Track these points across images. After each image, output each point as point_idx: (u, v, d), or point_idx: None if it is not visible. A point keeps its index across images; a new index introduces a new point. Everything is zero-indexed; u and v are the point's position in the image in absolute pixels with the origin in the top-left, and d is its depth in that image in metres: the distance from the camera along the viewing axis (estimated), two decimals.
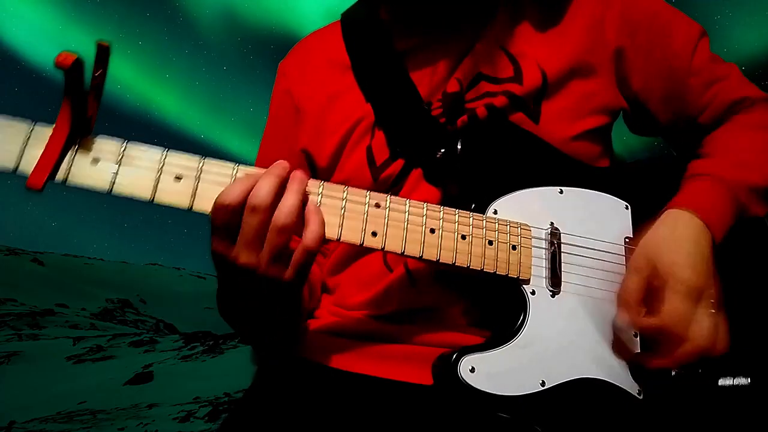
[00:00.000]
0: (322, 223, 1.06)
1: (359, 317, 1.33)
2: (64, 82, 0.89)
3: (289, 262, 1.05)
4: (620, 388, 1.18)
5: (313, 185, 1.08)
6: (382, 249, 1.10)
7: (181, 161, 1.04)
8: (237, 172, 1.05)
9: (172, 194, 1.03)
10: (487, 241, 1.16)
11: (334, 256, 1.44)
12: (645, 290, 1.17)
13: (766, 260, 1.36)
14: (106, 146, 1.00)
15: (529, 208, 1.22)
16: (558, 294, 1.19)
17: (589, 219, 1.26)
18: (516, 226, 1.20)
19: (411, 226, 1.12)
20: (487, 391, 1.09)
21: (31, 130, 0.96)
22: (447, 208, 1.15)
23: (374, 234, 1.10)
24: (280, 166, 1.06)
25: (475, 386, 1.09)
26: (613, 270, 1.24)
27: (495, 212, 1.20)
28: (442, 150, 1.27)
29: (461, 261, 1.14)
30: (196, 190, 1.04)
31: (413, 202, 1.14)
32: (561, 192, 1.25)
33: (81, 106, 0.94)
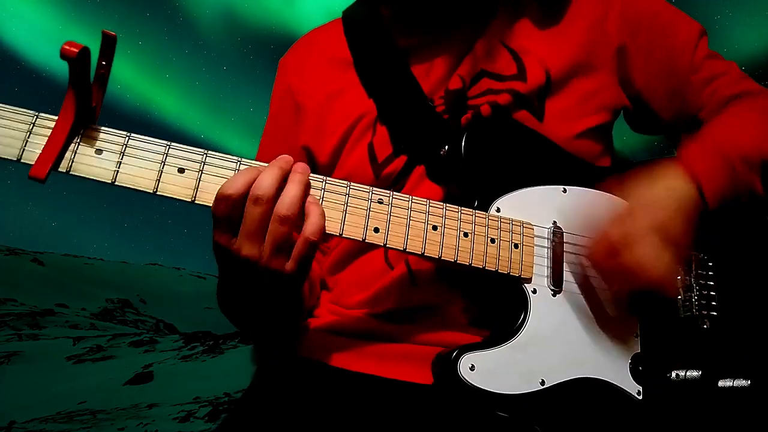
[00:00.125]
0: (323, 215, 1.06)
1: (359, 316, 1.33)
2: (69, 72, 0.89)
3: (291, 254, 1.05)
4: (620, 388, 1.18)
5: (316, 180, 1.08)
6: (384, 245, 1.10)
7: (184, 154, 1.04)
8: (240, 165, 1.05)
9: (175, 187, 1.03)
10: (489, 239, 1.16)
11: (334, 254, 1.44)
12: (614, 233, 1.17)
13: (766, 260, 1.36)
14: (110, 137, 1.00)
15: (531, 207, 1.22)
16: (559, 293, 1.19)
17: (591, 218, 1.26)
18: (518, 224, 1.20)
19: (413, 222, 1.12)
20: (487, 389, 1.09)
21: (35, 120, 0.96)
22: (450, 205, 1.15)
23: (376, 230, 1.10)
24: (283, 158, 1.06)
25: (474, 384, 1.09)
26: None
27: (498, 210, 1.20)
28: (446, 147, 1.27)
29: (463, 259, 1.14)
30: (199, 182, 1.04)
31: (416, 198, 1.14)
32: (564, 191, 1.25)
33: (85, 96, 0.94)
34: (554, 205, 1.24)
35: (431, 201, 1.15)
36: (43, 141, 0.95)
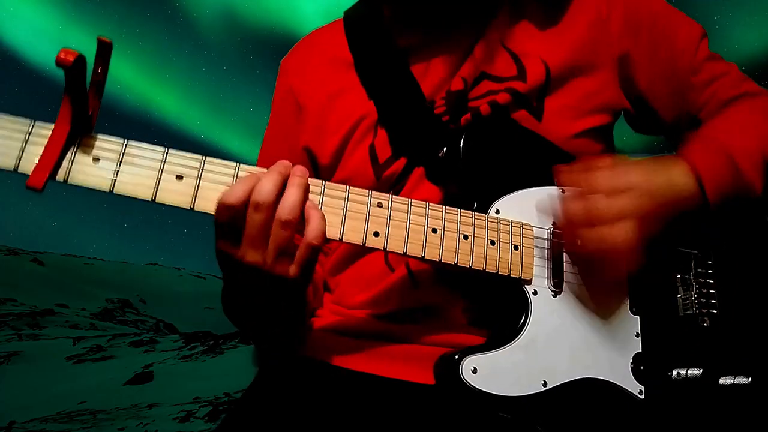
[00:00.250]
0: (323, 218, 1.05)
1: (361, 316, 1.33)
2: (65, 79, 0.88)
3: (294, 259, 1.05)
4: (622, 388, 1.18)
5: (315, 184, 1.08)
6: (384, 249, 1.10)
7: (183, 160, 1.03)
8: (238, 171, 1.05)
9: (174, 194, 1.02)
10: (489, 241, 1.16)
11: (335, 255, 1.44)
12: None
13: (766, 260, 1.36)
14: (107, 145, 0.99)
15: (531, 208, 1.22)
16: (560, 294, 1.19)
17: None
18: (518, 225, 1.19)
19: (413, 226, 1.12)
20: (489, 391, 1.09)
21: (31, 129, 0.95)
22: (449, 207, 1.15)
23: (376, 234, 1.10)
24: (282, 164, 1.06)
25: (477, 387, 1.09)
26: None
27: (497, 212, 1.20)
28: (444, 149, 1.27)
29: (463, 261, 1.14)
30: (198, 189, 1.03)
31: (415, 201, 1.13)
32: (563, 192, 1.25)
33: (82, 103, 0.93)
34: (554, 206, 1.24)
35: (431, 204, 1.14)
36: (40, 150, 0.94)
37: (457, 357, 1.10)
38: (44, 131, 0.95)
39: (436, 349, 1.19)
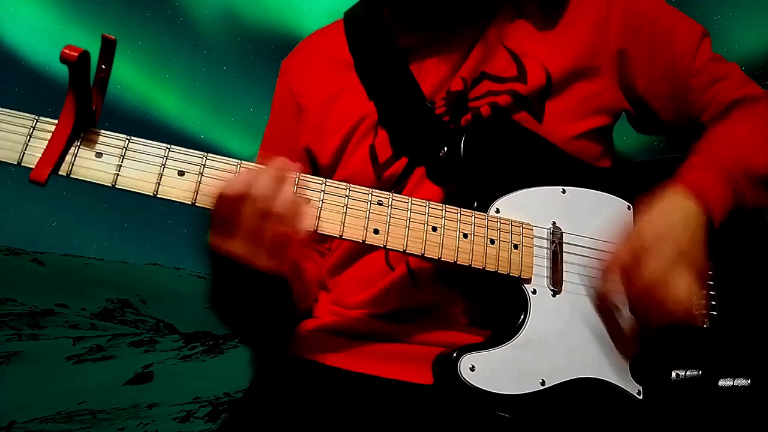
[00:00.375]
0: (315, 215, 1.07)
1: (359, 316, 1.33)
2: (69, 75, 0.89)
3: (287, 254, 1.06)
4: (620, 388, 1.18)
5: (316, 182, 1.09)
6: (384, 246, 1.10)
7: (184, 157, 1.05)
8: (240, 168, 1.06)
9: (175, 189, 1.03)
10: (488, 240, 1.16)
11: (335, 255, 1.44)
12: (631, 260, 1.16)
13: (766, 260, 1.36)
14: (110, 140, 1.00)
15: (531, 208, 1.23)
16: (559, 293, 1.19)
17: (591, 219, 1.26)
18: (518, 225, 1.20)
19: (413, 224, 1.12)
20: (487, 389, 1.10)
21: (35, 124, 0.96)
22: (449, 206, 1.16)
23: (376, 231, 1.10)
24: (280, 160, 1.07)
25: (475, 385, 1.09)
26: None
27: (497, 211, 1.20)
28: (445, 149, 1.27)
29: (463, 259, 1.14)
30: (199, 185, 1.04)
31: (415, 200, 1.14)
32: (563, 191, 1.25)
33: (85, 99, 0.94)
34: (553, 206, 1.24)
35: (431, 202, 1.15)
36: (44, 144, 0.95)
37: (455, 355, 1.10)
38: (48, 126, 0.97)
39: (435, 349, 1.19)
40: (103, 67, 0.94)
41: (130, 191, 1.02)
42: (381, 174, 1.35)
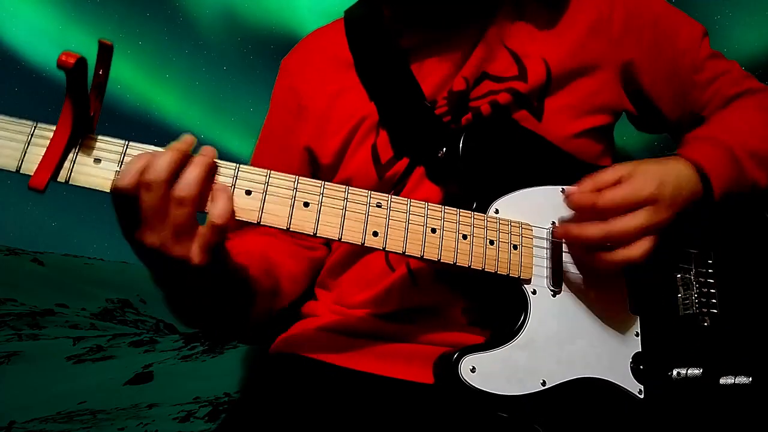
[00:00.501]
0: (230, 199, 1.02)
1: (361, 315, 1.33)
2: (67, 81, 0.89)
3: (196, 241, 1.01)
4: (621, 387, 1.18)
5: (314, 185, 1.08)
6: (383, 249, 1.10)
7: None
8: (239, 171, 1.05)
9: None
10: (488, 240, 1.16)
11: (335, 255, 1.44)
12: (609, 178, 1.17)
13: (766, 257, 1.36)
14: (108, 146, 1.00)
15: (530, 208, 1.22)
16: (559, 294, 1.19)
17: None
18: (517, 225, 1.20)
19: (412, 225, 1.12)
20: (488, 390, 1.10)
21: (33, 130, 0.96)
22: (448, 207, 1.15)
23: (375, 234, 1.10)
24: (184, 141, 1.02)
25: (475, 386, 1.09)
26: None
27: (496, 212, 1.20)
28: (444, 149, 1.27)
29: (462, 261, 1.14)
30: None
31: (414, 201, 1.13)
32: (562, 191, 1.25)
33: (83, 105, 0.94)
34: (553, 206, 1.24)
35: (430, 204, 1.14)
36: (42, 151, 0.94)
37: (456, 356, 1.10)
38: (46, 133, 0.96)
39: (435, 349, 1.20)
40: (101, 72, 0.94)
41: None
42: (383, 174, 1.35)
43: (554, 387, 1.14)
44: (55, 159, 0.93)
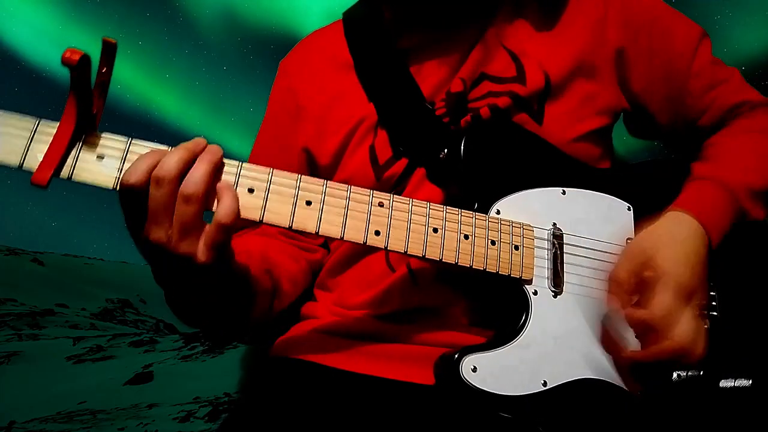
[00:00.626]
0: (236, 198, 1.02)
1: (360, 317, 1.33)
2: (71, 78, 0.89)
3: (203, 240, 1.01)
4: (622, 389, 1.18)
5: (316, 184, 1.08)
6: (385, 248, 1.10)
7: None
8: (241, 170, 1.05)
9: None
10: (489, 241, 1.16)
11: (335, 255, 1.44)
12: (636, 278, 1.17)
13: (766, 262, 1.36)
14: (111, 143, 1.00)
15: (531, 209, 1.23)
16: (560, 294, 1.20)
17: (591, 220, 1.26)
18: (518, 226, 1.20)
19: (414, 225, 1.12)
20: (489, 390, 1.10)
21: (36, 127, 0.96)
22: (450, 207, 1.15)
23: (377, 233, 1.10)
24: (193, 141, 1.03)
25: (476, 386, 1.09)
26: None
27: (498, 212, 1.20)
28: (445, 150, 1.27)
29: (464, 261, 1.14)
30: None
31: (416, 201, 1.13)
32: (563, 193, 1.26)
33: (86, 102, 0.94)
34: (554, 207, 1.24)
35: (432, 204, 1.15)
36: (45, 147, 0.94)
37: (456, 356, 1.10)
38: (49, 129, 0.96)
39: (436, 350, 1.19)
40: (104, 70, 0.94)
41: None
42: (381, 175, 1.35)
43: (555, 387, 1.14)
44: (58, 155, 0.94)
